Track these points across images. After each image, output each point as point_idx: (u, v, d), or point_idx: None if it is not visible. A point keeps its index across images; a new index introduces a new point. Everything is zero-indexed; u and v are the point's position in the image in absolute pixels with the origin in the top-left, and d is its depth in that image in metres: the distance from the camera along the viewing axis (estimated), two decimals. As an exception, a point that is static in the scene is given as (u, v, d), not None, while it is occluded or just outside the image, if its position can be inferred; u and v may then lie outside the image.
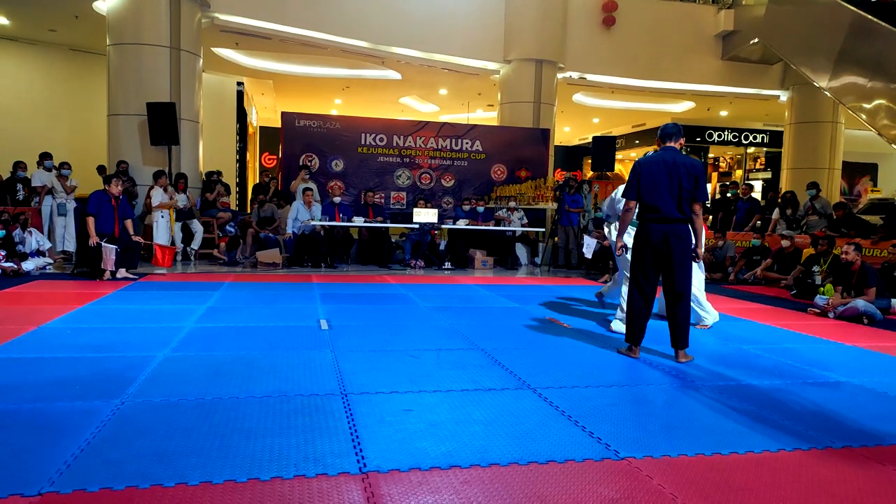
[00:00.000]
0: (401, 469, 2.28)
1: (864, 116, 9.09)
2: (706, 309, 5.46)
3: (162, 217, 8.95)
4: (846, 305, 6.21)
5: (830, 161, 13.41)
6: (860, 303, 6.13)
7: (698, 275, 5.44)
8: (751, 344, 4.81)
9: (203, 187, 10.32)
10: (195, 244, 9.56)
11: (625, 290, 4.98)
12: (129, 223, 7.60)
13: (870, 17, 8.96)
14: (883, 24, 8.67)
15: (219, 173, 10.64)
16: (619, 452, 2.49)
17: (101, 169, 10.34)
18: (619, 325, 5.05)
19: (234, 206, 12.24)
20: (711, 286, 8.84)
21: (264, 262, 9.02)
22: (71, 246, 8.65)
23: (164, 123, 9.29)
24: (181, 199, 9.33)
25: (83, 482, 2.10)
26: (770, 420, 2.97)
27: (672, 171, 4.04)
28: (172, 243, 9.13)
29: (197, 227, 9.59)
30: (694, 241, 4.11)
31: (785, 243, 8.89)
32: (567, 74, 12.88)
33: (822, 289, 7.04)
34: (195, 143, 10.26)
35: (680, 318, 4.10)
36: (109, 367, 3.53)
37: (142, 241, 8.20)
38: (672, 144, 4.20)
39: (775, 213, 10.71)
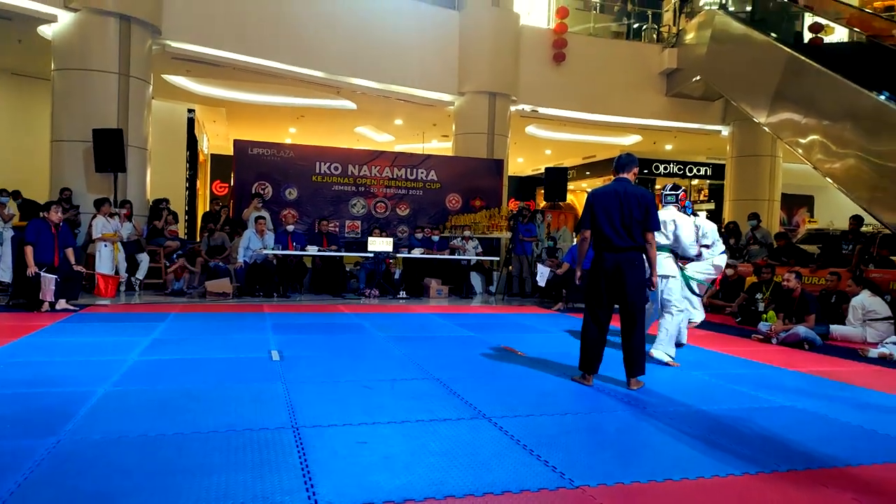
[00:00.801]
0: (354, 504, 2.22)
1: (800, 151, 9.55)
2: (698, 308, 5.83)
3: (105, 246, 8.63)
4: (788, 332, 6.44)
5: (770, 193, 14.01)
6: (801, 329, 6.37)
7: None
8: (700, 369, 4.92)
9: (150, 215, 10.04)
10: (140, 274, 9.26)
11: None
12: (69, 252, 7.30)
13: (802, 57, 9.49)
14: (814, 63, 9.19)
15: (166, 201, 10.39)
16: (574, 481, 2.50)
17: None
18: (659, 354, 5.08)
19: (182, 235, 11.94)
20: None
21: (214, 292, 8.79)
22: (7, 276, 8.25)
23: (110, 150, 9.04)
24: (126, 229, 9.05)
25: (12, 528, 1.97)
26: (719, 445, 3.03)
27: (623, 201, 4.15)
28: (116, 273, 8.81)
29: (142, 256, 9.30)
30: (648, 270, 4.21)
31: (728, 272, 9.19)
32: (520, 107, 13.17)
33: (764, 315, 7.30)
34: (143, 171, 10.01)
35: (634, 346, 4.17)
36: (45, 403, 3.35)
37: (84, 270, 7.89)
38: (625, 175, 4.33)
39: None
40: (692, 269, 5.77)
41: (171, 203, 10.61)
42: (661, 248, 5.15)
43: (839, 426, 3.46)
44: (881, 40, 9.59)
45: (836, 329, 7.03)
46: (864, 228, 9.77)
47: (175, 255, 9.57)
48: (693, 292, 5.87)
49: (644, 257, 4.19)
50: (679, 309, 5.21)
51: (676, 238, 5.22)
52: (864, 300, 6.95)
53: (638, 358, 4.16)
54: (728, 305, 8.93)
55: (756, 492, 2.49)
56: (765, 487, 2.54)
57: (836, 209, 16.39)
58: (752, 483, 2.57)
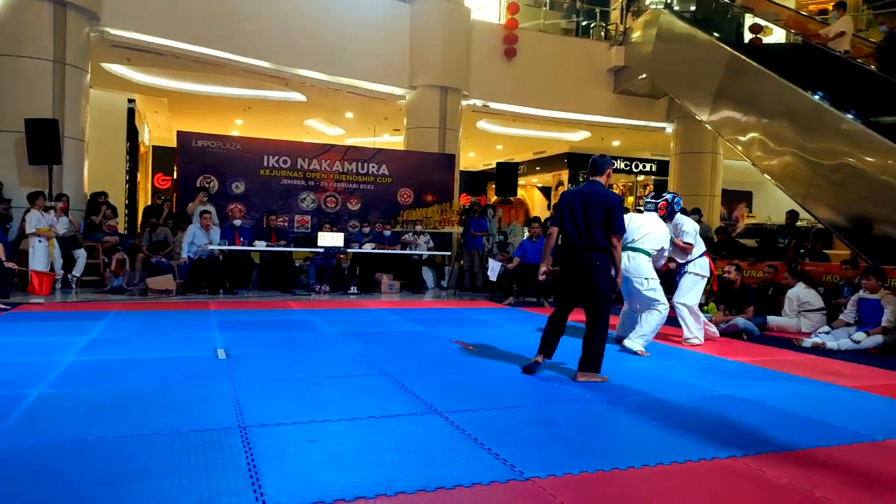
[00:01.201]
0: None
1: (740, 148, 9.91)
2: (691, 329, 5.92)
3: (39, 241, 8.22)
4: (728, 323, 6.68)
5: (711, 189, 14.50)
6: (740, 320, 6.62)
7: (691, 293, 5.89)
8: (644, 360, 5.05)
9: (88, 209, 9.63)
10: (77, 271, 8.87)
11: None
12: None
13: (743, 56, 9.84)
14: (754, 63, 9.53)
15: (105, 194, 9.98)
16: (525, 473, 2.52)
17: None
18: (632, 344, 5.32)
19: (122, 230, 11.51)
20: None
21: (156, 289, 8.51)
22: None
23: (44, 141, 8.61)
24: (62, 224, 8.64)
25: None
26: (664, 433, 3.11)
27: (587, 202, 4.26)
28: (51, 270, 8.41)
29: (79, 252, 8.91)
30: (614, 271, 4.32)
31: (671, 265, 9.44)
32: (471, 102, 13.21)
33: (705, 307, 7.54)
34: (80, 163, 9.58)
35: (588, 341, 4.26)
36: (-28, 408, 3.17)
37: (16, 267, 7.52)
38: (596, 178, 4.42)
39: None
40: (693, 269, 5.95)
41: (111, 197, 10.20)
42: (639, 250, 5.32)
43: (776, 413, 3.60)
44: (814, 41, 10.02)
45: (772, 320, 7.34)
46: (799, 223, 10.21)
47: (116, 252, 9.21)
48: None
49: (606, 257, 4.26)
50: (666, 306, 5.42)
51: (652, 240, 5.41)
52: (799, 292, 7.28)
53: (588, 353, 4.24)
54: (669, 297, 9.17)
55: (698, 478, 2.57)
56: (707, 474, 2.62)
57: (773, 205, 17.07)
58: (694, 470, 2.65)
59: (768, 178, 9.47)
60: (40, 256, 8.22)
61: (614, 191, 21.65)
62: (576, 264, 4.27)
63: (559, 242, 4.45)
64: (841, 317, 6.57)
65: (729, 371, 4.82)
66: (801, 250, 9.23)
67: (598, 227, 4.22)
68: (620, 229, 4.30)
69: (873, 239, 7.54)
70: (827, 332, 6.40)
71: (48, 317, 6.45)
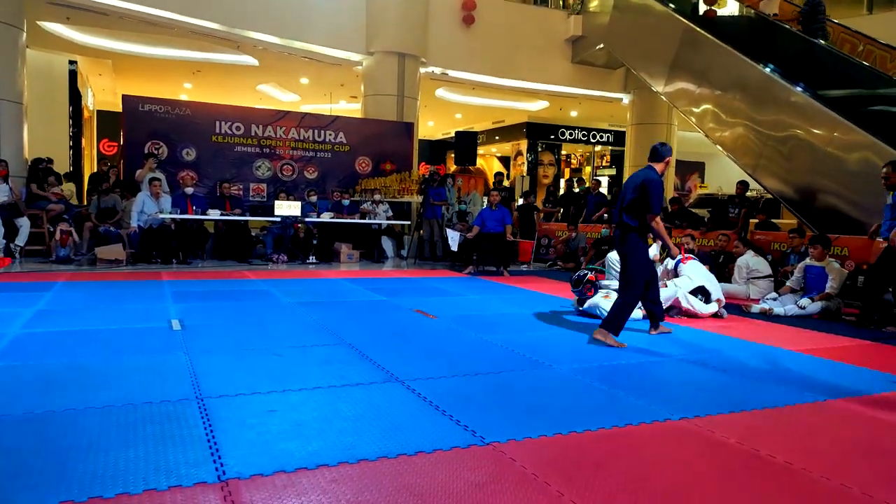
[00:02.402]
0: (264, 473, 2.16)
1: (693, 119, 10.08)
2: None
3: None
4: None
5: (665, 159, 14.75)
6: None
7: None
8: (601, 328, 5.16)
9: (29, 176, 9.19)
10: (20, 240, 8.49)
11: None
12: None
13: (698, 28, 9.94)
14: (709, 35, 9.65)
15: (48, 160, 9.53)
16: (485, 438, 2.56)
17: None
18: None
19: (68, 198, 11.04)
20: (564, 275, 9.39)
21: (105, 259, 8.22)
22: None
23: (-22, 103, 8.15)
24: (2, 191, 8.23)
25: None
26: (619, 398, 3.20)
27: (628, 185, 4.62)
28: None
29: (22, 220, 8.52)
30: (656, 248, 4.90)
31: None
32: (429, 69, 13.02)
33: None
34: (18, 128, 9.10)
35: (615, 306, 4.61)
36: None
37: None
38: (653, 164, 4.63)
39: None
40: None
41: (55, 163, 9.75)
42: None
43: (726, 376, 3.75)
44: (780, 22, 10.19)
45: (722, 287, 7.56)
46: (749, 193, 10.50)
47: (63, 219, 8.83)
48: None
49: (636, 237, 4.53)
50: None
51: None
52: (749, 260, 7.52)
53: (610, 317, 4.57)
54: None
55: (651, 438, 2.66)
56: (659, 434, 2.71)
57: (724, 175, 17.54)
58: (648, 431, 2.74)
59: (720, 149, 9.68)
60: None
61: (571, 161, 21.85)
62: (617, 240, 4.69)
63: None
64: (787, 283, 6.82)
65: (681, 337, 4.97)
66: (751, 220, 9.51)
67: (630, 208, 4.52)
68: (655, 209, 4.48)
69: (819, 209, 7.83)
70: (774, 299, 6.65)
71: (-11, 288, 6.18)
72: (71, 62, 13.21)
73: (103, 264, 8.15)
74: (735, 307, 6.65)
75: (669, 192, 14.39)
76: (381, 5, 11.94)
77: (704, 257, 7.61)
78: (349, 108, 17.07)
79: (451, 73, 13.44)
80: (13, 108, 8.93)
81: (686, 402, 3.17)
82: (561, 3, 14.78)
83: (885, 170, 5.81)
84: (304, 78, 14.78)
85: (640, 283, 4.61)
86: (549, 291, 7.42)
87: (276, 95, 16.71)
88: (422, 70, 12.75)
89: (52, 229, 8.76)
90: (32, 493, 1.96)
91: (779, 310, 6.26)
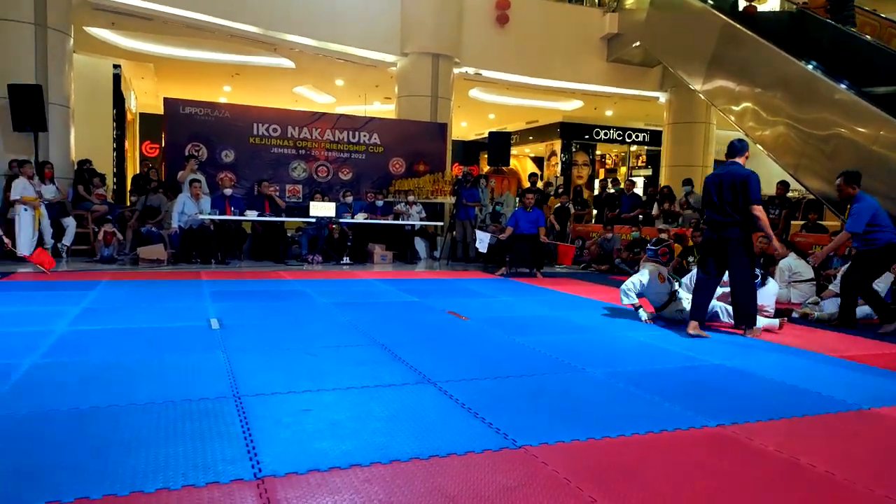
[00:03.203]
0: (299, 472, 2.20)
1: (733, 118, 9.86)
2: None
3: (25, 210, 8.12)
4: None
5: (704, 159, 14.46)
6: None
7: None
8: (635, 331, 5.10)
9: (75, 178, 9.51)
10: (67, 240, 8.79)
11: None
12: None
13: (737, 25, 9.73)
14: (748, 32, 9.43)
15: (88, 162, 9.84)
16: (517, 441, 2.55)
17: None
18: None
19: (110, 198, 11.38)
20: (599, 277, 9.30)
21: (147, 259, 8.46)
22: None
23: (29, 107, 8.46)
24: (48, 191, 8.54)
25: (-68, 510, 1.87)
26: (653, 403, 3.16)
27: (723, 182, 4.87)
28: (40, 240, 8.32)
29: (69, 221, 8.83)
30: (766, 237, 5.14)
31: (663, 235, 9.49)
32: (463, 70, 13.03)
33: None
34: (65, 130, 9.42)
35: (738, 302, 5.01)
36: (-35, 378, 3.17)
37: (5, 239, 7.42)
38: (734, 159, 4.97)
39: (654, 209, 11.43)
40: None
41: (98, 165, 10.07)
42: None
43: (764, 382, 3.66)
44: (811, 10, 9.92)
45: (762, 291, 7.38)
46: (790, 194, 10.24)
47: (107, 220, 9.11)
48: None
49: (741, 231, 4.82)
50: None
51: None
52: (791, 262, 7.33)
53: (742, 312, 5.00)
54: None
55: (687, 445, 2.61)
56: (695, 441, 2.67)
57: (765, 175, 17.05)
58: (684, 438, 2.70)
59: (760, 148, 9.45)
60: (26, 225, 8.13)
61: (606, 162, 21.60)
62: (718, 240, 4.91)
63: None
64: (830, 287, 6.62)
65: (718, 341, 4.87)
66: (792, 221, 9.26)
67: (731, 204, 4.80)
68: (754, 197, 4.74)
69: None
70: (816, 303, 6.47)
71: (39, 286, 6.41)
72: (115, 66, 13.60)
73: (145, 264, 8.39)
74: (776, 311, 6.48)
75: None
76: (415, 6, 11.99)
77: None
78: (383, 109, 17.19)
79: (485, 73, 13.42)
80: (61, 111, 9.25)
81: (723, 408, 3.11)
82: (596, 1, 14.62)
83: (837, 181, 5.81)
84: (339, 80, 14.94)
85: (751, 269, 5.01)
86: (583, 294, 7.36)
87: (311, 97, 16.93)
88: (455, 70, 12.77)
89: (96, 230, 9.04)
90: (78, 486, 2.03)
91: (821, 314, 6.08)
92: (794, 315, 6.21)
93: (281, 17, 11.14)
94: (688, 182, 11.36)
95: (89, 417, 2.66)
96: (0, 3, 8.54)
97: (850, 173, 5.72)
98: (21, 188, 8.12)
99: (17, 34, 8.65)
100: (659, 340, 4.75)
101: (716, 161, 15.54)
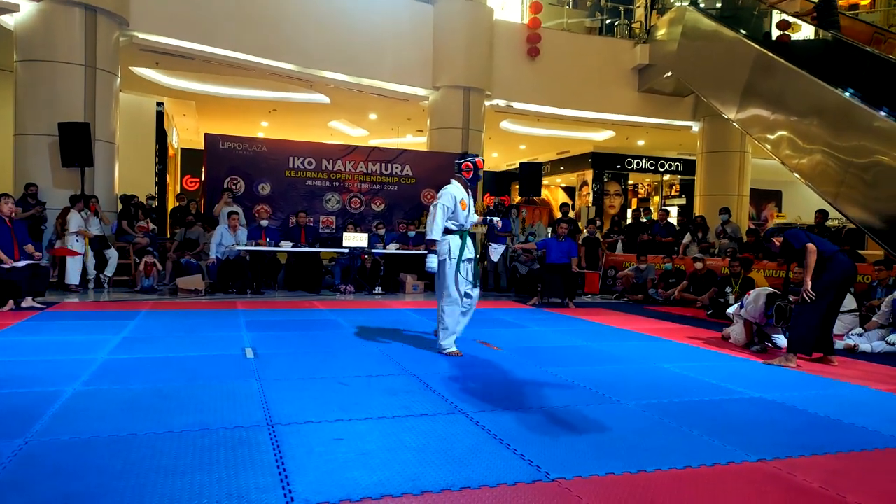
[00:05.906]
0: (330, 501, 2.21)
1: (768, 146, 9.73)
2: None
3: (77, 241, 8.52)
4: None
5: (739, 188, 14.27)
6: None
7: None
8: (671, 362, 5.00)
9: (121, 213, 9.85)
10: (109, 270, 9.08)
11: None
12: (30, 247, 7.10)
13: (771, 54, 9.67)
14: (782, 60, 9.37)
15: (135, 197, 10.20)
16: (550, 474, 2.52)
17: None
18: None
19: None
20: (632, 307, 9.17)
21: (185, 289, 8.66)
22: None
23: (77, 144, 8.84)
24: (94, 225, 8.86)
25: (-22, 532, 1.92)
26: (691, 436, 3.08)
27: None
28: (84, 270, 8.64)
29: (111, 252, 9.12)
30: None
31: (698, 265, 9.35)
32: (494, 102, 13.19)
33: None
34: (111, 165, 9.80)
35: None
36: (12, 403, 3.27)
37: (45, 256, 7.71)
38: None
39: (686, 238, 11.27)
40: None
41: (137, 199, 10.43)
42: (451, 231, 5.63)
43: (807, 416, 3.54)
44: (846, 38, 9.81)
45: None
46: (829, 223, 10.00)
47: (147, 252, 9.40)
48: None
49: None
50: (451, 298, 5.20)
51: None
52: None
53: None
54: (698, 299, 9.08)
55: (727, 481, 2.54)
56: (735, 477, 2.59)
57: (803, 204, 16.76)
58: (723, 473, 2.62)
59: (798, 176, 9.29)
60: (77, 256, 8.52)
61: (639, 191, 21.46)
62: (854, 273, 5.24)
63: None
64: (874, 318, 6.41)
65: (758, 373, 4.74)
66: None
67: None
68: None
69: (908, 239, 7.35)
70: (860, 335, 6.26)
71: (82, 315, 6.61)
72: (158, 103, 14.16)
73: (183, 294, 8.58)
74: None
75: (744, 222, 13.88)
76: (447, 41, 12.25)
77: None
78: (416, 141, 17.45)
79: (516, 105, 13.55)
80: (107, 147, 9.63)
81: (764, 442, 3.02)
82: (627, 32, 14.71)
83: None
84: (372, 113, 15.26)
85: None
86: (615, 324, 7.26)
87: (345, 131, 17.30)
88: (487, 103, 12.94)
89: (137, 261, 9.32)
90: (116, 512, 2.07)
91: (865, 346, 5.89)
92: (839, 346, 6.00)
93: (317, 55, 11.49)
94: (725, 211, 11.20)
95: (128, 444, 2.72)
96: (55, 47, 9.00)
97: None
98: (76, 221, 8.52)
99: (69, 75, 9.09)
100: (695, 372, 4.64)
101: (752, 189, 15.33)
